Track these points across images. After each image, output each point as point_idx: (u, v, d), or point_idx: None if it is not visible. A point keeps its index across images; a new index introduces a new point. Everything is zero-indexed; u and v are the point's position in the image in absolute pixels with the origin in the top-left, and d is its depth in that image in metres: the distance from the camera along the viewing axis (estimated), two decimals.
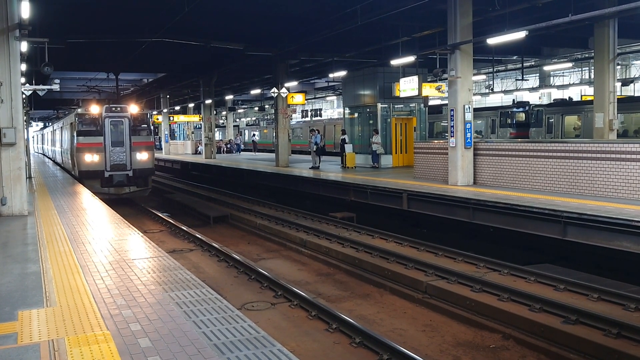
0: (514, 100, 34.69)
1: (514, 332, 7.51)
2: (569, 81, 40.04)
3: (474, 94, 17.06)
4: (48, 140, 40.69)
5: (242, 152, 42.27)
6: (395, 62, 18.76)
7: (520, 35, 13.51)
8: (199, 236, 14.12)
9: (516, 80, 36.50)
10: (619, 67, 32.24)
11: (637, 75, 36.36)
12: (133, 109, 20.11)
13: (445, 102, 22.03)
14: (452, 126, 15.01)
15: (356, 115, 24.34)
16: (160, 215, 18.04)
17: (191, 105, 41.41)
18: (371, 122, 22.93)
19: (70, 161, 21.85)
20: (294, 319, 8.31)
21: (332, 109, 60.99)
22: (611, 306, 7.85)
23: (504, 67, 35.49)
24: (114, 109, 19.77)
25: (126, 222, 10.69)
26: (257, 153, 42.58)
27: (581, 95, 33.35)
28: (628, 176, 11.18)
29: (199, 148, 39.43)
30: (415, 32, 19.50)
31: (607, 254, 10.04)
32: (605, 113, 16.46)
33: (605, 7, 14.13)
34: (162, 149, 44.13)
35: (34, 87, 17.45)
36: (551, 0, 15.19)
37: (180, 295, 5.76)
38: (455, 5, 14.58)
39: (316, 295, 9.51)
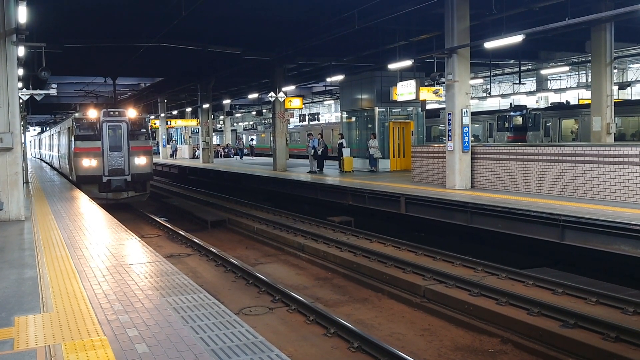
0: (511, 103, 34.77)
1: (513, 336, 7.50)
2: (566, 85, 40.17)
3: (472, 98, 17.08)
4: (45, 145, 40.62)
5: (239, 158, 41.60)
6: (392, 66, 18.79)
7: (517, 39, 13.54)
8: (197, 241, 14.09)
9: (513, 84, 36.61)
10: (615, 70, 32.32)
11: (634, 79, 36.49)
12: (131, 113, 20.03)
13: (443, 106, 22.05)
14: (450, 130, 15.02)
15: (354, 119, 24.36)
16: (158, 220, 17.99)
17: (189, 109, 41.35)
18: (369, 126, 22.96)
19: (67, 166, 21.77)
20: (291, 324, 8.28)
21: (329, 112, 61.07)
22: (609, 310, 7.84)
23: (501, 71, 35.58)
24: (111, 113, 19.67)
25: (124, 227, 10.66)
26: (254, 157, 42.36)
27: (578, 99, 33.47)
28: (625, 179, 11.20)
29: (196, 152, 39.35)
30: (413, 36, 19.54)
31: (605, 258, 10.05)
32: (602, 116, 16.50)
33: (602, 10, 14.18)
34: (159, 153, 43.99)
35: (31, 91, 17.49)
36: (548, 4, 15.24)
37: (177, 301, 5.74)
38: (453, 9, 14.62)
39: (314, 299, 9.48)
